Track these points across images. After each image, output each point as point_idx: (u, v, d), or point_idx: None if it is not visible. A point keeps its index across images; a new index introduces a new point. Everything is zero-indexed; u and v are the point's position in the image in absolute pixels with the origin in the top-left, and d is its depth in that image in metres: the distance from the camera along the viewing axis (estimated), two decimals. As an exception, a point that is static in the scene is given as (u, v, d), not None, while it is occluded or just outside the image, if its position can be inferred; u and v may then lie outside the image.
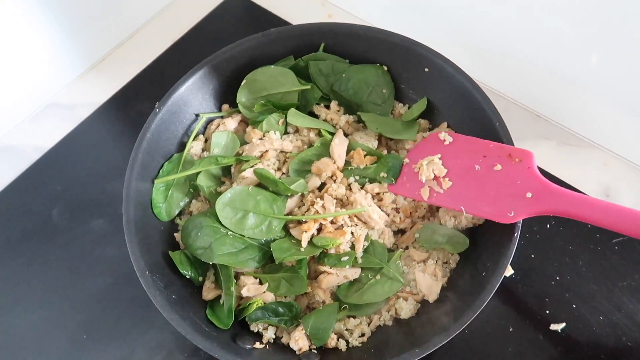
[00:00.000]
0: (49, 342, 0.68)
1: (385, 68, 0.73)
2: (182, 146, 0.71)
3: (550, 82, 0.75)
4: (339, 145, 0.66)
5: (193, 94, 0.71)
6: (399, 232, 0.67)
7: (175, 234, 0.67)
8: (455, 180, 0.60)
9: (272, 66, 0.73)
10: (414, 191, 0.63)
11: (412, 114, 0.72)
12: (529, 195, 0.55)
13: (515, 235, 0.56)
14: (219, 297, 0.63)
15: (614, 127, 0.74)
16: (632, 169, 0.74)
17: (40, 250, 0.74)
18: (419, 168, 0.62)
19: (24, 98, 0.84)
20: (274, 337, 0.62)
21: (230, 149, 0.71)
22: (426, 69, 0.70)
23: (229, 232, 0.61)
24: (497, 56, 0.78)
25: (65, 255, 0.74)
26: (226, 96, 0.74)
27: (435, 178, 0.61)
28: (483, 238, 0.61)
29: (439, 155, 0.62)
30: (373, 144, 0.70)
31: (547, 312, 0.64)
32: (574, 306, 0.64)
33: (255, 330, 0.62)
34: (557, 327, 0.63)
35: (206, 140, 0.73)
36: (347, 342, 0.61)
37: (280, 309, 0.61)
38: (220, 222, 0.61)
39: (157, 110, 0.68)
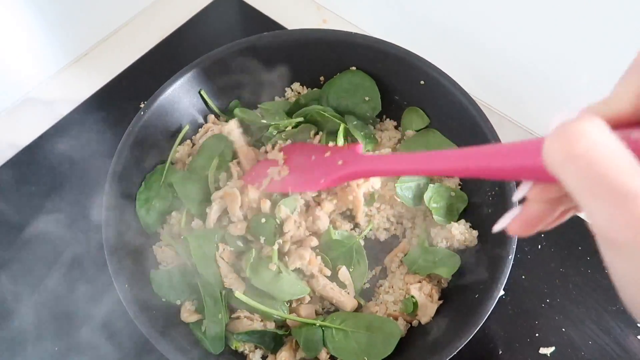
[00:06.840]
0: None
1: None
2: (167, 150, 0.68)
3: (543, 99, 0.74)
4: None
5: (180, 96, 0.68)
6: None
7: (153, 247, 0.64)
8: (292, 170, 0.61)
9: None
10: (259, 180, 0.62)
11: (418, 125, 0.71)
12: (339, 162, 0.55)
13: (510, 257, 0.55)
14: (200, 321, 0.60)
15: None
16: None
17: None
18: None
19: (-2, 90, 0.80)
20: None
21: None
22: (422, 82, 0.68)
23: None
24: (491, 71, 0.77)
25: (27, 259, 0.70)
26: (215, 100, 0.72)
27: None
28: (475, 259, 0.60)
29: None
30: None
31: (537, 335, 0.63)
32: (563, 329, 0.64)
33: (241, 351, 0.60)
34: (547, 350, 0.62)
35: (193, 145, 0.70)
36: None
37: (266, 339, 0.58)
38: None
39: (142, 112, 0.64)
